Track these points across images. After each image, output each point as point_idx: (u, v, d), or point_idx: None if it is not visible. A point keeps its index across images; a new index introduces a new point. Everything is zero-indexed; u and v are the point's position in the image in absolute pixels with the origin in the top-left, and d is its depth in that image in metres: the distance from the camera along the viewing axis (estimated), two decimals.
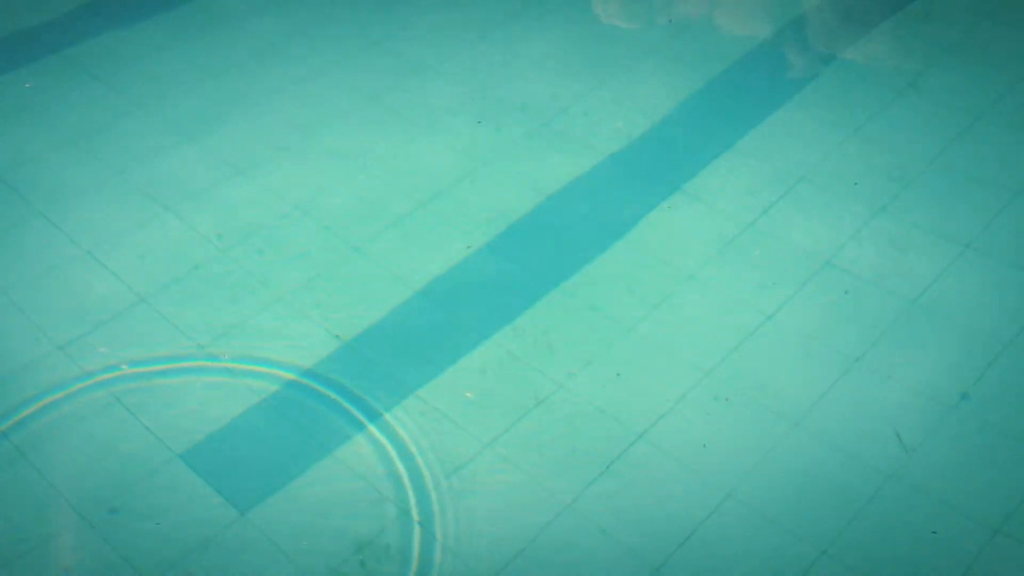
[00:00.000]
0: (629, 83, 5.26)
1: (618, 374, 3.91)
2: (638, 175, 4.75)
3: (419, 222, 4.54)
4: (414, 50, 5.50)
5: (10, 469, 3.61)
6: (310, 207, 4.61)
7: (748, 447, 3.67)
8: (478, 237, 4.45)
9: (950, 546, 3.39)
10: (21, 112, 5.11)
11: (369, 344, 4.03)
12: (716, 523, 3.46)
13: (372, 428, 3.74)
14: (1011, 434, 3.70)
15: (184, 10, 5.80)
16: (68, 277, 4.29)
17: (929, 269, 4.28)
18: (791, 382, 3.88)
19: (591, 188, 4.69)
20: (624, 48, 5.49)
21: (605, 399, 3.83)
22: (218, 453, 3.68)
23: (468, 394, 3.81)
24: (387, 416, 3.78)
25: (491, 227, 4.49)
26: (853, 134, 4.92)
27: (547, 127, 5.02)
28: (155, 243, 4.43)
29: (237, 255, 4.38)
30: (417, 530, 3.45)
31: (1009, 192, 4.61)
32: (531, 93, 5.21)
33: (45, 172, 4.78)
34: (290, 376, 3.91)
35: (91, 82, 5.29)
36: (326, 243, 4.44)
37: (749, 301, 4.18)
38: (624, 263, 4.34)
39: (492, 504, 3.53)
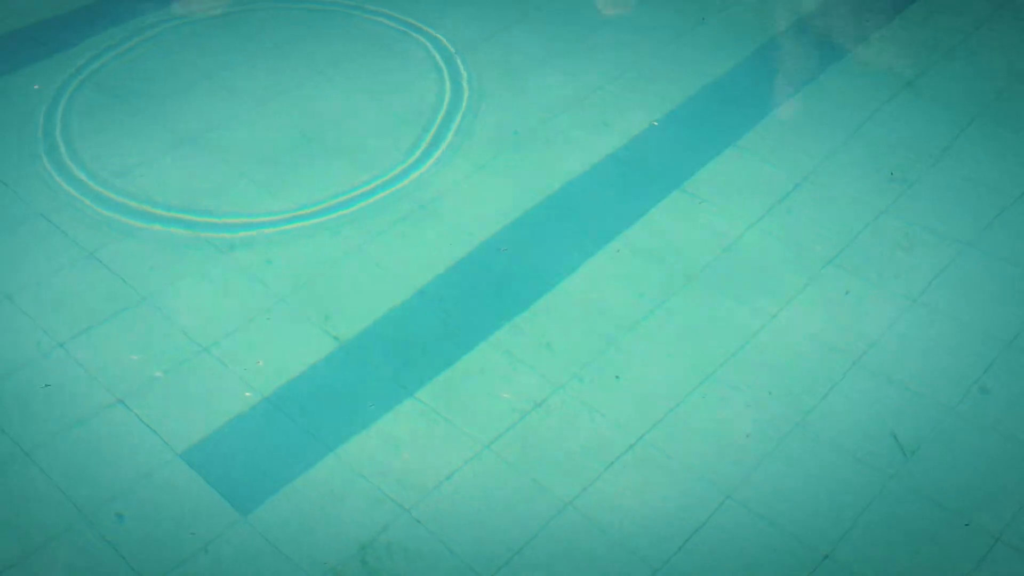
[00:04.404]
0: (631, 83, 5.25)
1: (617, 376, 3.91)
2: (639, 174, 4.75)
3: (417, 222, 4.55)
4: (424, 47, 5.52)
5: (12, 470, 3.64)
6: (310, 208, 4.62)
7: (748, 449, 3.67)
8: (477, 236, 4.46)
9: (951, 550, 3.39)
10: (28, 114, 5.14)
11: (367, 344, 4.04)
12: (716, 525, 3.46)
13: (373, 428, 3.75)
14: (1013, 436, 3.68)
15: (185, 10, 5.81)
16: (71, 278, 4.31)
17: (930, 269, 4.27)
18: (792, 384, 3.87)
19: (591, 187, 4.69)
20: (626, 48, 5.49)
21: (604, 401, 3.83)
22: (219, 452, 3.69)
23: None
24: (387, 415, 3.79)
25: (490, 226, 4.50)
26: (854, 134, 4.91)
27: (545, 126, 5.02)
28: (158, 246, 4.45)
29: (242, 261, 4.40)
30: (418, 528, 3.46)
31: (1009, 192, 4.60)
32: (530, 93, 5.23)
33: (50, 173, 4.81)
34: (288, 377, 3.94)
35: (96, 83, 5.32)
36: (326, 245, 4.46)
37: (750, 302, 4.17)
38: (624, 262, 4.34)
39: (491, 505, 3.54)
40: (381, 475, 3.61)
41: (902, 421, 3.73)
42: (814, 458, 3.64)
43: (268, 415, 3.80)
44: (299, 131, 5.03)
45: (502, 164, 4.82)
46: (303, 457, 3.67)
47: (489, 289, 4.26)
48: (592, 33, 5.61)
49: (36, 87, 5.28)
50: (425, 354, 3.99)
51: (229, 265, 4.37)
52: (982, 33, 5.52)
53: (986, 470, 3.60)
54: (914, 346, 3.99)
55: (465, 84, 5.28)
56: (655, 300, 4.19)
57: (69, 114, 5.13)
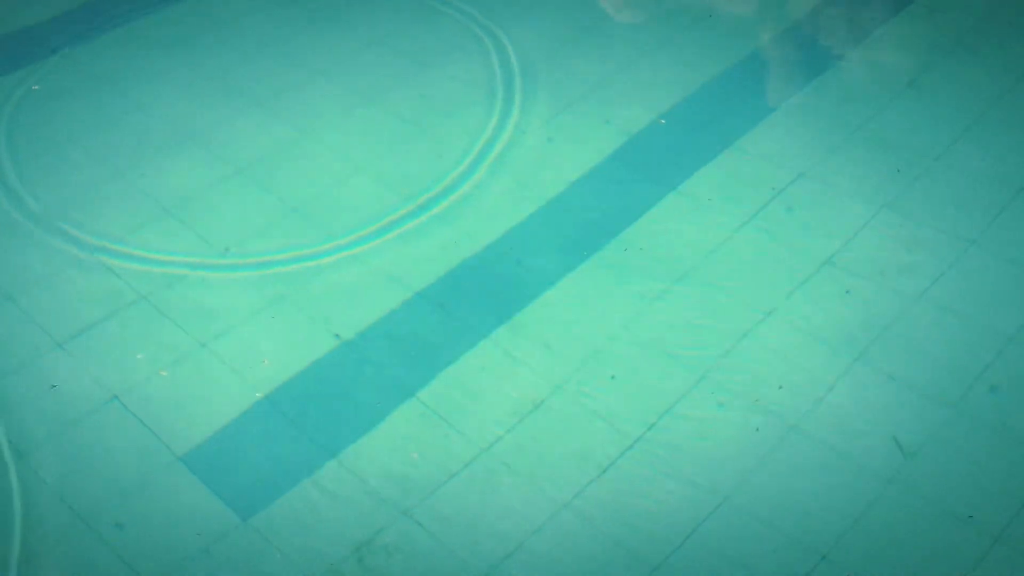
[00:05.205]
0: (629, 82, 5.25)
1: (612, 376, 3.91)
2: (637, 173, 4.74)
3: (417, 223, 4.55)
4: (423, 43, 5.52)
5: (12, 470, 3.64)
6: (309, 208, 4.62)
7: (746, 449, 3.66)
8: (478, 238, 4.45)
9: (950, 551, 3.38)
10: (27, 113, 5.14)
11: (367, 344, 4.04)
12: (714, 526, 3.46)
13: (372, 428, 3.75)
14: (1013, 436, 3.67)
15: (186, 8, 5.81)
16: (71, 278, 4.31)
17: (931, 267, 4.26)
18: (790, 383, 3.86)
19: (588, 186, 4.68)
20: (625, 47, 5.48)
21: (602, 401, 3.82)
22: (219, 453, 3.69)
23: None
24: (387, 416, 3.78)
25: (492, 227, 4.49)
26: (855, 134, 4.90)
27: (545, 124, 5.01)
28: (159, 245, 4.45)
29: (239, 262, 4.40)
30: (417, 530, 3.46)
31: (1010, 189, 4.58)
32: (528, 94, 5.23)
33: (50, 172, 4.81)
34: (288, 377, 3.93)
35: (95, 83, 5.32)
36: (327, 244, 4.45)
37: (749, 300, 4.16)
38: (621, 261, 4.33)
39: (490, 505, 3.54)
40: (380, 476, 3.61)
41: (902, 420, 3.73)
42: (813, 459, 3.63)
43: (268, 415, 3.81)
44: (296, 129, 5.03)
45: (502, 162, 4.82)
46: (302, 458, 3.67)
47: (489, 289, 4.25)
48: (594, 29, 5.60)
49: (35, 87, 5.29)
50: (424, 354, 3.99)
51: (227, 266, 4.38)
52: (984, 31, 5.50)
53: (986, 469, 3.59)
54: (914, 345, 3.98)
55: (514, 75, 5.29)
56: (654, 298, 4.18)
57: (71, 111, 5.14)
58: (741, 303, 4.16)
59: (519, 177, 4.74)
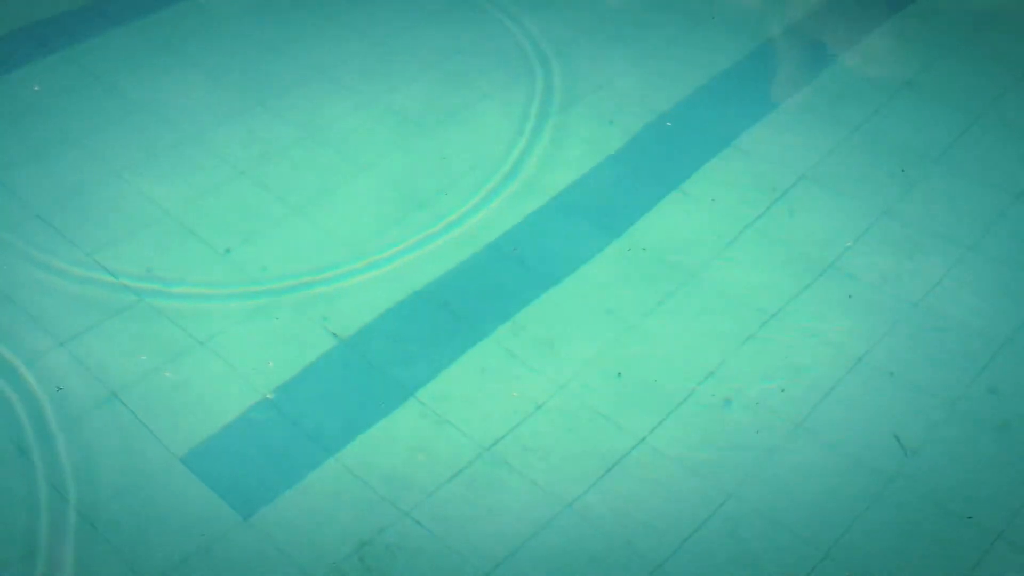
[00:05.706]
0: (629, 82, 5.25)
1: (619, 374, 3.91)
2: (638, 174, 4.75)
3: (418, 222, 4.55)
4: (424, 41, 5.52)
5: (13, 470, 3.64)
6: (312, 209, 4.62)
7: (750, 448, 3.67)
8: (480, 236, 4.46)
9: (953, 549, 3.39)
10: (27, 113, 5.13)
11: (367, 344, 4.04)
12: (717, 523, 3.47)
13: (373, 428, 3.75)
14: (1013, 436, 3.68)
15: (187, 8, 5.80)
16: (71, 279, 4.31)
17: (931, 271, 4.28)
18: (794, 383, 3.87)
19: (591, 186, 4.69)
20: (627, 48, 5.49)
21: (606, 400, 3.83)
22: (219, 453, 3.69)
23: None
24: (387, 416, 3.79)
25: (494, 225, 4.50)
26: (853, 134, 4.91)
27: (547, 124, 5.03)
28: (159, 246, 4.45)
29: (240, 262, 4.40)
30: (418, 529, 3.46)
31: (1010, 193, 4.60)
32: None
33: (50, 172, 4.80)
34: (289, 377, 3.94)
35: (95, 83, 5.31)
36: (327, 245, 4.46)
37: (751, 302, 4.17)
38: (624, 262, 4.34)
39: (492, 505, 3.54)
40: (381, 476, 3.61)
41: (903, 421, 3.74)
42: (815, 457, 3.65)
43: (269, 415, 3.81)
44: (298, 130, 5.03)
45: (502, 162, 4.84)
46: (303, 458, 3.67)
47: (490, 287, 4.26)
48: (595, 31, 5.61)
49: (36, 88, 5.28)
50: (425, 353, 3.99)
51: (228, 267, 4.37)
52: (983, 31, 5.52)
53: (986, 468, 3.61)
54: (915, 347, 3.99)
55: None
56: (657, 299, 4.19)
57: (71, 111, 5.13)
58: (745, 304, 4.16)
59: (521, 177, 4.74)
